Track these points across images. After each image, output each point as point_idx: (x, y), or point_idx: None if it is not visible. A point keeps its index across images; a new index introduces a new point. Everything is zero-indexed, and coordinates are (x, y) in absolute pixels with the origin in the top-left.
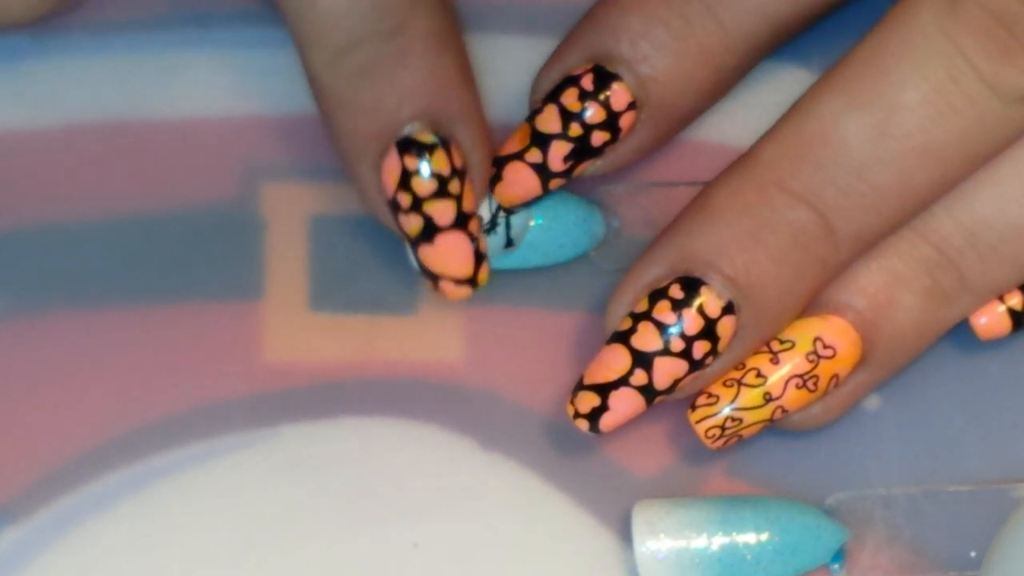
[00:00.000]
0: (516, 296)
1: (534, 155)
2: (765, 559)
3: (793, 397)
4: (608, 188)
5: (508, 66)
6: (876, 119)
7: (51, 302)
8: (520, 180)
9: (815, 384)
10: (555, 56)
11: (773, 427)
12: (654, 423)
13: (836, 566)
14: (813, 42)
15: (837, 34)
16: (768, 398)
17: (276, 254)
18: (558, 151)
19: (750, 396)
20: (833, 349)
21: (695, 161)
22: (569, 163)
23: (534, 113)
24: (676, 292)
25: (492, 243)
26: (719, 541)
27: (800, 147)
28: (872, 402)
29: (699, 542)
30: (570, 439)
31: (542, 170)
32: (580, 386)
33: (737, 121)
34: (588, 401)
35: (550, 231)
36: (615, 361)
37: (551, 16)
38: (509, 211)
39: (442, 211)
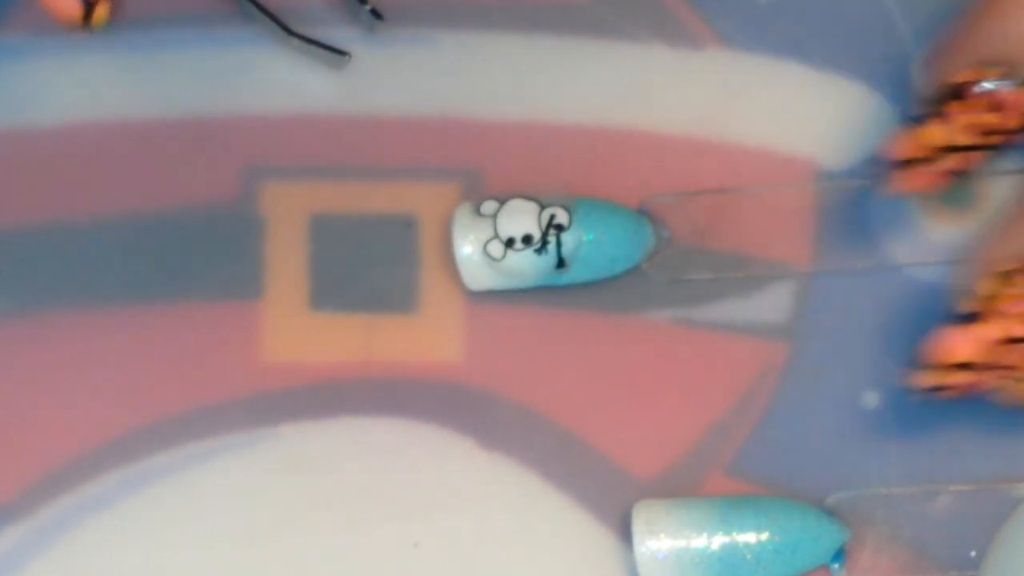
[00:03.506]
0: (516, 296)
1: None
2: (765, 559)
3: None
4: (657, 198)
5: (508, 66)
6: None
7: (51, 302)
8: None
9: None
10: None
11: None
12: (654, 423)
13: (836, 566)
14: (813, 40)
15: (838, 32)
16: None
17: (276, 254)
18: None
19: None
20: None
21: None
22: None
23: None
24: None
25: (542, 264)
26: (719, 541)
27: None
28: (872, 402)
29: (699, 542)
30: (570, 439)
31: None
32: (924, 365)
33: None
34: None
35: (602, 246)
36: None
37: (551, 16)
38: (560, 228)
39: None
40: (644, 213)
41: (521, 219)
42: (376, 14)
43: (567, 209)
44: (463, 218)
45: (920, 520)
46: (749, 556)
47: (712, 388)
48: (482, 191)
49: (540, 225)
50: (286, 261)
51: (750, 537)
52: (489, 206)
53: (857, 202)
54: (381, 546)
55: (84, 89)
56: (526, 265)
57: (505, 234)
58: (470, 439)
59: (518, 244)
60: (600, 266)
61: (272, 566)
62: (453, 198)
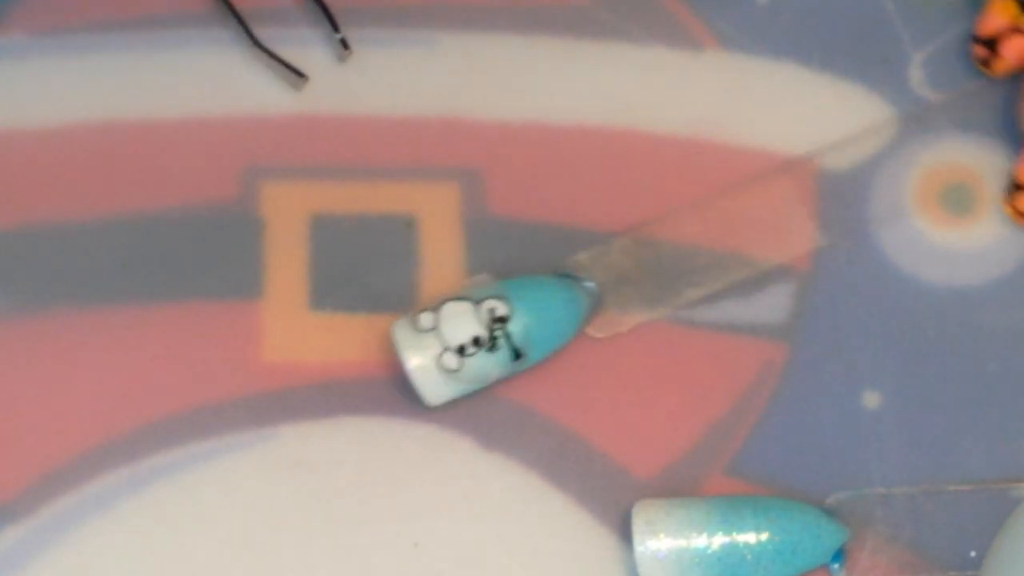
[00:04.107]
0: None
1: None
2: (765, 559)
3: None
4: (572, 259)
5: (509, 67)
6: None
7: (51, 302)
8: None
9: None
10: None
11: None
12: (654, 423)
13: (836, 566)
14: (812, 41)
15: (837, 33)
16: None
17: (276, 254)
18: None
19: None
20: None
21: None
22: None
23: None
24: None
25: (500, 360)
26: (719, 541)
27: None
28: (872, 402)
29: (699, 542)
30: (570, 439)
31: None
32: (1015, 187)
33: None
34: None
35: (543, 325)
36: None
37: (552, 17)
38: (503, 320)
39: None
40: (567, 275)
41: (462, 322)
42: (345, 44)
43: (501, 298)
44: (405, 337)
45: (920, 520)
46: (749, 556)
47: (712, 388)
48: (482, 191)
49: (482, 323)
50: (286, 261)
51: (750, 537)
52: (426, 319)
53: (857, 202)
54: (381, 546)
55: (84, 89)
56: (486, 366)
57: (454, 342)
58: (470, 439)
59: (469, 348)
60: (548, 342)
61: (272, 566)
62: (453, 198)
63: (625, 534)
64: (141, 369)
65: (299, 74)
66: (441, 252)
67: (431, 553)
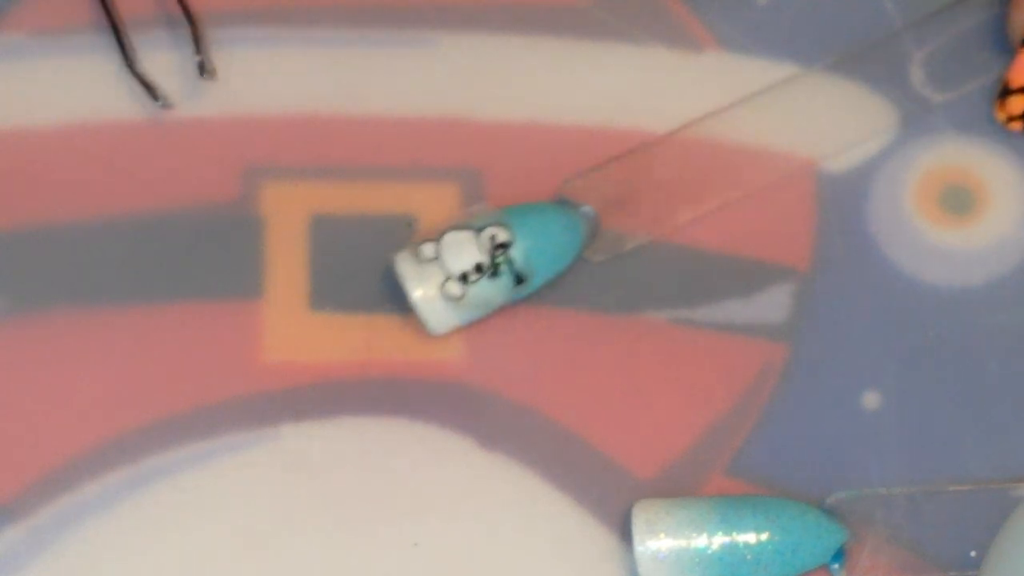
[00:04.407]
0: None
1: None
2: (765, 559)
3: None
4: (568, 183)
5: (508, 67)
6: None
7: (51, 302)
8: None
9: None
10: None
11: None
12: (654, 423)
13: (836, 566)
14: (812, 41)
15: (838, 34)
16: None
17: (276, 254)
18: None
19: None
20: None
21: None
22: None
23: None
24: None
25: (502, 286)
26: (719, 541)
27: None
28: (872, 402)
29: (699, 542)
30: (570, 439)
31: None
32: (1006, 91)
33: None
34: (1020, 104)
35: (545, 248)
36: None
37: (551, 18)
38: (505, 247)
39: None
40: (565, 201)
41: (464, 250)
42: (202, 69)
43: (501, 225)
44: (408, 268)
45: (920, 520)
46: (749, 556)
47: (712, 388)
48: (482, 191)
49: (484, 250)
50: (286, 261)
51: (750, 537)
52: (428, 248)
53: (857, 202)
54: (381, 546)
55: (84, 89)
56: (489, 292)
57: (456, 270)
58: (470, 439)
59: (472, 276)
60: (549, 267)
61: (272, 566)
62: (453, 198)
63: (625, 534)
64: (141, 369)
65: (156, 99)
66: None
67: (431, 553)
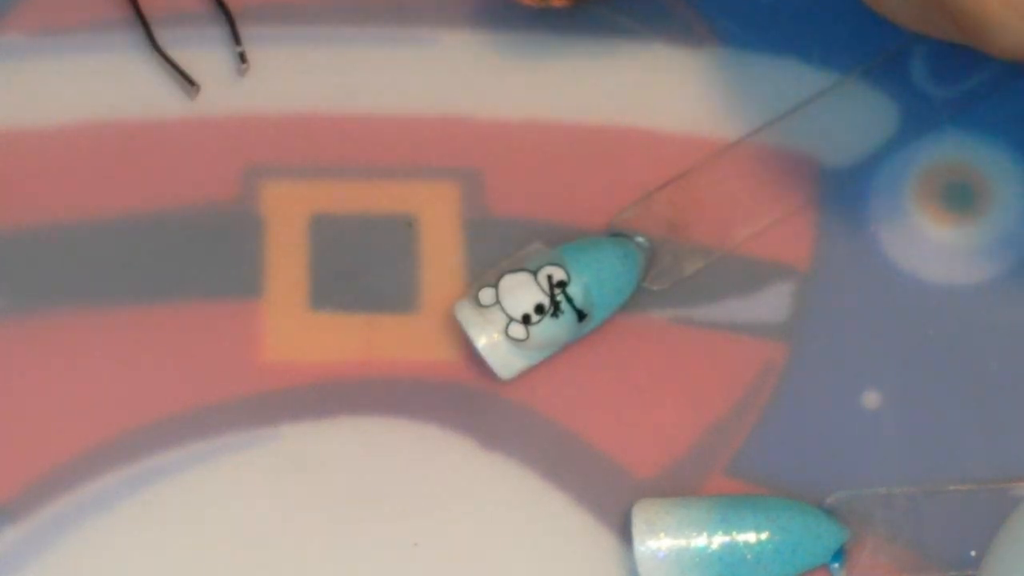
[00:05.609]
0: None
1: None
2: (765, 559)
3: None
4: (621, 216)
5: (509, 66)
6: None
7: (51, 302)
8: None
9: None
10: None
11: None
12: (654, 423)
13: (836, 566)
14: (814, 38)
15: (835, 31)
16: None
17: (276, 253)
18: None
19: None
20: None
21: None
22: None
23: None
24: None
25: (566, 324)
26: (719, 540)
27: None
28: (872, 402)
29: (699, 541)
30: (570, 439)
31: None
32: None
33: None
34: None
35: (604, 283)
36: None
37: (551, 16)
38: (563, 285)
39: None
40: (618, 233)
41: (523, 293)
42: (243, 58)
43: (557, 264)
44: (469, 315)
45: (920, 520)
46: (749, 556)
47: (712, 388)
48: (482, 191)
49: (543, 290)
50: (286, 261)
51: (750, 537)
52: (486, 294)
53: (857, 200)
54: (381, 546)
55: (84, 89)
56: (553, 331)
57: (518, 313)
58: (470, 439)
59: (534, 317)
60: (609, 300)
61: (272, 566)
62: (453, 198)
63: (625, 534)
64: (141, 369)
65: (191, 82)
66: (441, 252)
67: (431, 553)
